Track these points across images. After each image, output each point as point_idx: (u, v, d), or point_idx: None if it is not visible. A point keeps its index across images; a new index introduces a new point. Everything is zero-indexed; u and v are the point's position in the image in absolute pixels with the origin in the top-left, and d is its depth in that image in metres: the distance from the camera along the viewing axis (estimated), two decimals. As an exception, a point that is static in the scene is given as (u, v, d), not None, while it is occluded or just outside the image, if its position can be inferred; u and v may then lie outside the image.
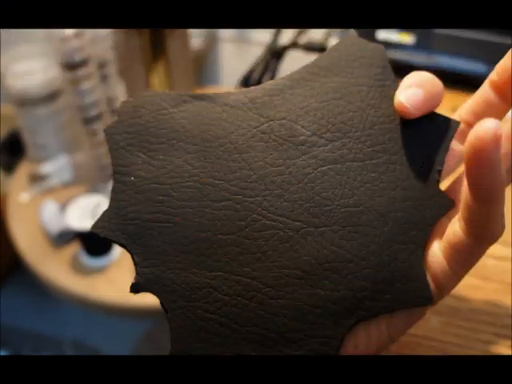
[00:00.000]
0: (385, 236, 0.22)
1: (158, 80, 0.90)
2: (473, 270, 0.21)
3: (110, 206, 0.22)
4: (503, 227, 0.19)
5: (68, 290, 0.79)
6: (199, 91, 1.02)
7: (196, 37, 1.04)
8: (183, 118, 0.23)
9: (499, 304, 0.30)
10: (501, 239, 0.20)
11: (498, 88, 0.22)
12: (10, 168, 1.07)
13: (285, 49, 0.73)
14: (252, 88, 0.24)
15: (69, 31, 0.74)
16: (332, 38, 0.70)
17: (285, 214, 0.22)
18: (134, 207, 0.22)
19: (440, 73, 0.25)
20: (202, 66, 1.15)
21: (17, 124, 0.99)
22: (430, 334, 0.29)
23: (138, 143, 0.23)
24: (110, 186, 0.88)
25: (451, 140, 0.23)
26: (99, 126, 0.84)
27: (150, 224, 0.22)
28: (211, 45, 1.12)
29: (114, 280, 0.80)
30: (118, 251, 0.83)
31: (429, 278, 0.22)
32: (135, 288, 0.22)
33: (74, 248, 0.84)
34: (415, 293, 0.21)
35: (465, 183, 0.19)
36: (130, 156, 0.23)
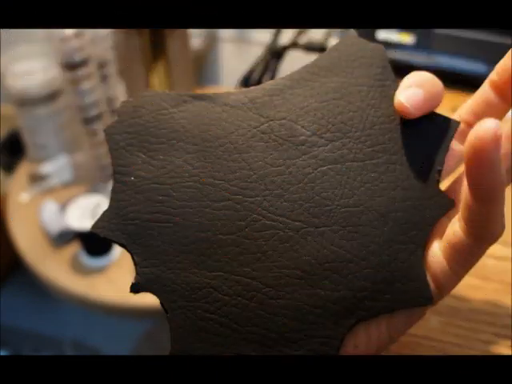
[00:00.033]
0: (385, 236, 0.22)
1: (158, 80, 0.90)
2: (473, 270, 0.21)
3: (110, 206, 0.22)
4: (503, 227, 0.19)
5: (68, 290, 0.79)
6: (199, 91, 1.02)
7: (196, 37, 1.04)
8: (183, 118, 0.23)
9: (499, 304, 0.30)
10: (501, 239, 0.20)
11: (498, 88, 0.22)
12: (10, 168, 1.07)
13: (285, 49, 0.73)
14: (252, 88, 0.24)
15: (69, 31, 0.74)
16: (332, 37, 0.70)
17: (285, 214, 0.22)
18: (134, 207, 0.22)
19: (440, 73, 0.25)
20: (202, 66, 1.15)
21: (17, 124, 0.99)
22: (430, 334, 0.29)
23: (137, 143, 0.23)
24: (109, 186, 0.88)
25: (451, 140, 0.23)
26: (99, 126, 0.84)
27: (150, 224, 0.22)
28: (211, 45, 1.12)
29: (114, 280, 0.80)
30: (118, 251, 0.83)
31: (429, 278, 0.22)
32: (135, 288, 0.22)
33: (74, 248, 0.84)
34: (415, 293, 0.21)
35: (465, 183, 0.19)
36: (130, 156, 0.23)
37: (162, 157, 0.23)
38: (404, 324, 0.22)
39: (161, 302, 0.22)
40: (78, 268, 0.82)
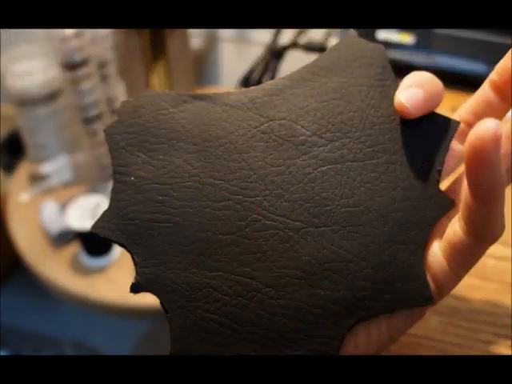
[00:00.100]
0: (385, 236, 0.22)
1: (158, 80, 0.90)
2: (473, 270, 0.21)
3: (110, 206, 0.22)
4: (503, 227, 0.19)
5: (68, 290, 0.79)
6: (199, 91, 1.02)
7: (196, 37, 1.04)
8: (183, 118, 0.23)
9: (499, 304, 0.30)
10: (501, 239, 0.20)
11: (498, 88, 0.22)
12: (10, 168, 1.07)
13: (285, 49, 0.73)
14: (252, 88, 0.24)
15: (69, 31, 0.74)
16: (332, 37, 0.70)
17: (285, 214, 0.22)
18: (134, 207, 0.22)
19: (440, 73, 0.25)
20: (202, 66, 1.15)
21: (17, 124, 0.99)
22: (430, 334, 0.29)
23: (138, 143, 0.23)
24: (110, 186, 0.88)
25: (451, 140, 0.23)
26: (99, 126, 0.84)
27: (150, 224, 0.22)
28: (211, 45, 1.12)
29: (114, 280, 0.80)
30: (118, 251, 0.83)
31: (429, 278, 0.22)
32: (135, 288, 0.22)
33: (74, 248, 0.84)
34: (415, 293, 0.21)
35: (465, 183, 0.19)
36: (130, 156, 0.23)
37: (161, 157, 0.23)
38: (404, 324, 0.22)
39: (161, 302, 0.22)
40: (78, 268, 0.82)
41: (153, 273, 0.22)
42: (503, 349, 0.28)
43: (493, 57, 0.30)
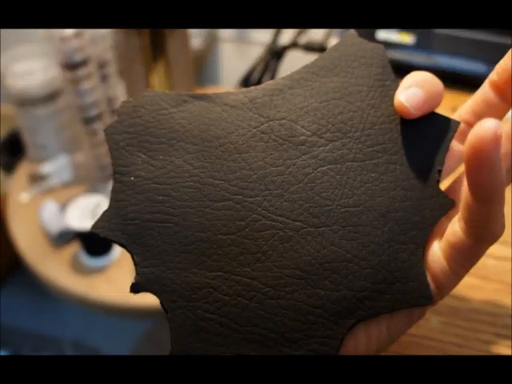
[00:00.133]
0: (385, 236, 0.22)
1: (158, 80, 0.90)
2: (473, 270, 0.21)
3: (110, 206, 0.22)
4: (503, 227, 0.19)
5: (68, 290, 0.79)
6: (199, 91, 1.02)
7: (196, 37, 1.04)
8: (183, 118, 0.23)
9: (499, 304, 0.30)
10: (501, 239, 0.20)
11: (498, 88, 0.22)
12: (10, 168, 1.07)
13: (285, 49, 0.73)
14: (252, 88, 0.24)
15: (69, 31, 0.74)
16: (332, 37, 0.70)
17: (285, 214, 0.22)
18: (134, 207, 0.22)
19: (440, 73, 0.25)
20: (202, 66, 1.15)
21: (17, 124, 0.99)
22: (429, 334, 0.29)
23: (137, 143, 0.23)
24: (110, 186, 0.88)
25: (451, 140, 0.23)
26: (99, 126, 0.84)
27: (150, 224, 0.22)
28: (211, 45, 1.12)
29: (114, 280, 0.80)
30: (118, 251, 0.83)
31: (429, 278, 0.22)
32: (135, 288, 0.22)
33: (74, 248, 0.84)
34: (415, 293, 0.21)
35: (465, 183, 0.19)
36: (130, 156, 0.23)
37: (161, 157, 0.23)
38: (404, 324, 0.22)
39: (161, 302, 0.22)
40: (78, 268, 0.82)
41: (153, 273, 0.22)
42: (503, 349, 0.28)
43: (493, 57, 0.30)
